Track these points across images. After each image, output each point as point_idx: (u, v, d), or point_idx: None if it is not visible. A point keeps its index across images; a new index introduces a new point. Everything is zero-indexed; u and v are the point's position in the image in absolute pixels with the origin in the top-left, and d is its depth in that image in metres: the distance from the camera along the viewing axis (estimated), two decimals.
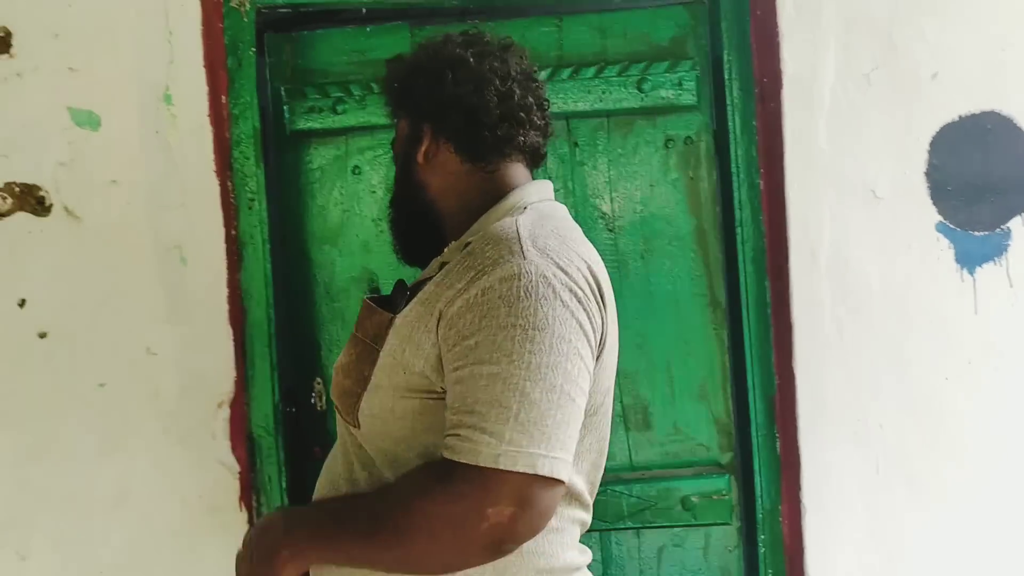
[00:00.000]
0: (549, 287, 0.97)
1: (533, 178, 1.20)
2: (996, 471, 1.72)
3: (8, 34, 1.40)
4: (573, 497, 1.09)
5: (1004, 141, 1.71)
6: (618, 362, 1.60)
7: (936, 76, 1.68)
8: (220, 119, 1.50)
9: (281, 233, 1.60)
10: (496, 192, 1.14)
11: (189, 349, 1.40)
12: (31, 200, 1.42)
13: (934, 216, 1.69)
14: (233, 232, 1.50)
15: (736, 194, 1.72)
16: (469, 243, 1.05)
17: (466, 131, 1.14)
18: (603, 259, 1.63)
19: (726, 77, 1.71)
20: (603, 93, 1.72)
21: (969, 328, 1.71)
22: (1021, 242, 1.72)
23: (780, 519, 1.74)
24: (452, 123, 1.14)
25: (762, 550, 1.75)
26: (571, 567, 1.09)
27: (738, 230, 1.72)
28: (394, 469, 1.03)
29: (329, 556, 1.04)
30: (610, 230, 1.75)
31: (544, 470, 0.92)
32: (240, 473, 1.49)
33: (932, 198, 1.69)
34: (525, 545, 0.99)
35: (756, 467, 1.74)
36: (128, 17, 1.43)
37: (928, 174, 1.69)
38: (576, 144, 1.74)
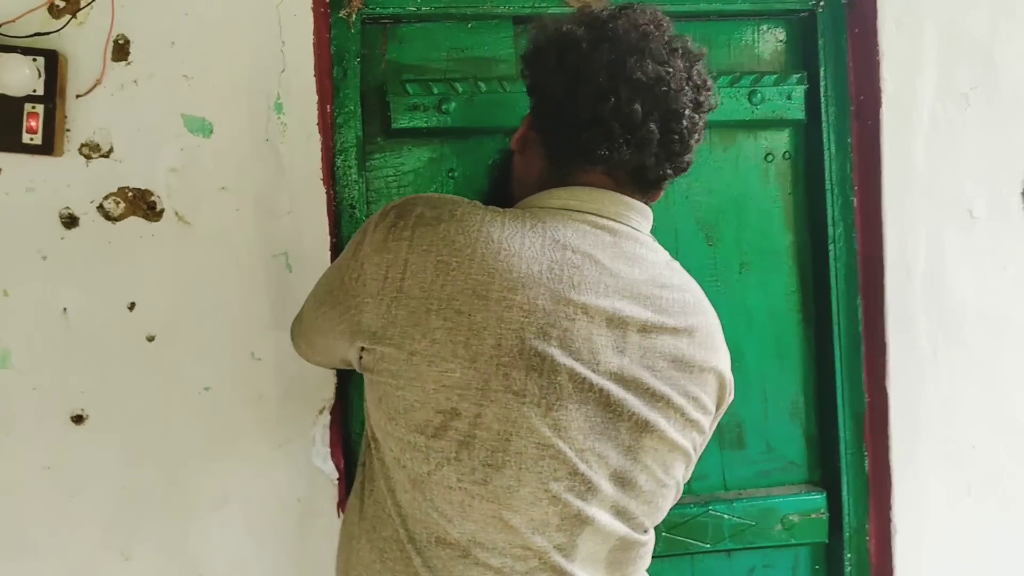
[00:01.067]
0: (364, 230, 1.04)
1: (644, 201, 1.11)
2: None
3: (127, 42, 1.43)
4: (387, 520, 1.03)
5: None
6: None
7: None
8: (327, 128, 1.52)
9: None
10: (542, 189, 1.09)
11: (292, 355, 1.41)
12: (143, 205, 1.45)
13: None
14: (335, 240, 1.53)
15: (830, 211, 1.73)
16: None
17: (554, 127, 1.09)
18: (702, 274, 1.66)
19: (822, 94, 1.72)
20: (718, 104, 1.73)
21: None
22: None
23: (867, 538, 1.75)
24: (545, 114, 1.10)
25: (848, 568, 1.75)
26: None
27: (831, 247, 1.73)
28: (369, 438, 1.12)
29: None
30: (709, 244, 1.76)
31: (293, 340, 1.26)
32: (338, 479, 1.51)
33: None
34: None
35: (844, 485, 1.75)
36: (242, 26, 1.46)
37: None
38: None
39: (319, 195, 1.49)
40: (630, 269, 1.03)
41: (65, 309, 1.45)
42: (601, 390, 0.98)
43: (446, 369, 0.95)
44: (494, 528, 0.97)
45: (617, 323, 1.00)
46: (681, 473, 1.10)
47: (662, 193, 1.16)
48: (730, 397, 1.17)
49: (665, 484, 1.07)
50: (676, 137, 1.04)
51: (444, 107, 1.60)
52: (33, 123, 1.37)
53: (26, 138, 1.38)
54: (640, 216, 1.09)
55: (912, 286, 1.67)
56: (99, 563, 1.47)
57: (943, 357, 1.68)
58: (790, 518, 1.75)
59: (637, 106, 1.01)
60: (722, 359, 1.12)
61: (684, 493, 1.71)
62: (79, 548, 1.46)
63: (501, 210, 1.04)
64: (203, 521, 1.49)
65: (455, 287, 0.95)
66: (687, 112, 1.05)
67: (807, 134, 1.76)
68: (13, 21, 1.39)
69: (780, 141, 1.77)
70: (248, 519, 1.49)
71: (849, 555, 1.75)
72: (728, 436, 1.78)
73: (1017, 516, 1.71)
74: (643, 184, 1.09)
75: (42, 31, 1.40)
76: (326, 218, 1.50)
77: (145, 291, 1.46)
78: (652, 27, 1.07)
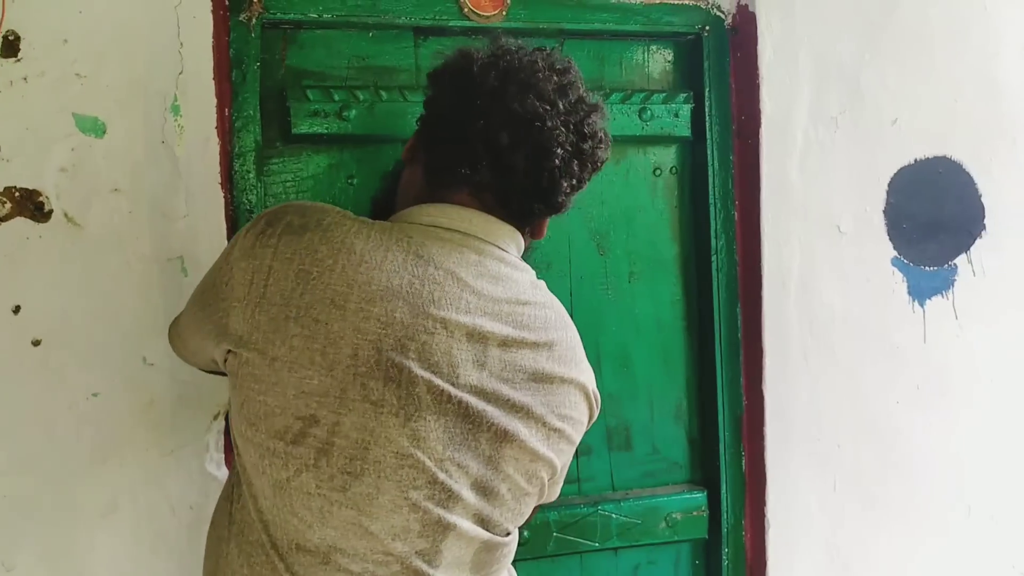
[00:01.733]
0: (237, 237, 1.06)
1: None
2: (942, 489, 1.88)
3: (17, 38, 1.39)
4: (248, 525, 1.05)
5: (953, 184, 1.89)
6: (604, 384, 1.72)
7: (896, 122, 1.84)
8: (225, 132, 1.52)
9: None
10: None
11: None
12: (30, 206, 1.42)
13: (890, 251, 1.86)
14: None
15: (712, 224, 1.84)
16: None
17: (431, 142, 1.14)
18: (594, 283, 1.73)
19: (707, 113, 1.83)
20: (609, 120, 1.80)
21: (918, 356, 1.87)
22: (966, 278, 1.90)
23: (743, 533, 1.86)
24: (427, 129, 1.16)
25: (725, 563, 1.86)
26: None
27: (713, 258, 1.84)
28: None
29: None
30: (600, 254, 1.84)
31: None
32: None
33: (889, 234, 1.85)
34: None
35: (723, 484, 1.86)
36: (140, 27, 1.44)
37: (886, 212, 1.85)
38: None
39: (216, 199, 1.50)
40: (493, 287, 1.07)
41: None
42: (460, 402, 1.01)
43: (304, 376, 0.97)
44: (354, 534, 0.99)
45: (477, 338, 1.03)
46: (546, 479, 1.13)
47: (541, 228, 1.20)
48: (596, 409, 1.21)
49: (527, 492, 1.11)
50: (546, 174, 1.08)
51: (345, 114, 1.62)
52: None
53: None
54: (508, 238, 1.12)
55: (787, 296, 1.79)
56: None
57: (813, 363, 1.81)
58: (673, 516, 1.85)
59: (504, 134, 1.05)
60: (583, 372, 1.16)
61: (574, 494, 1.81)
62: None
63: (371, 222, 1.06)
64: (90, 530, 1.46)
65: (314, 296, 0.98)
66: (560, 152, 1.07)
67: (693, 151, 1.87)
68: None
69: (668, 157, 1.87)
70: (137, 527, 1.48)
71: (726, 550, 1.86)
72: (616, 439, 1.86)
73: (878, 512, 1.86)
74: (512, 212, 1.12)
75: None
76: (224, 222, 1.50)
77: (31, 294, 1.43)
78: (550, 70, 1.10)
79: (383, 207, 1.19)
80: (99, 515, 1.46)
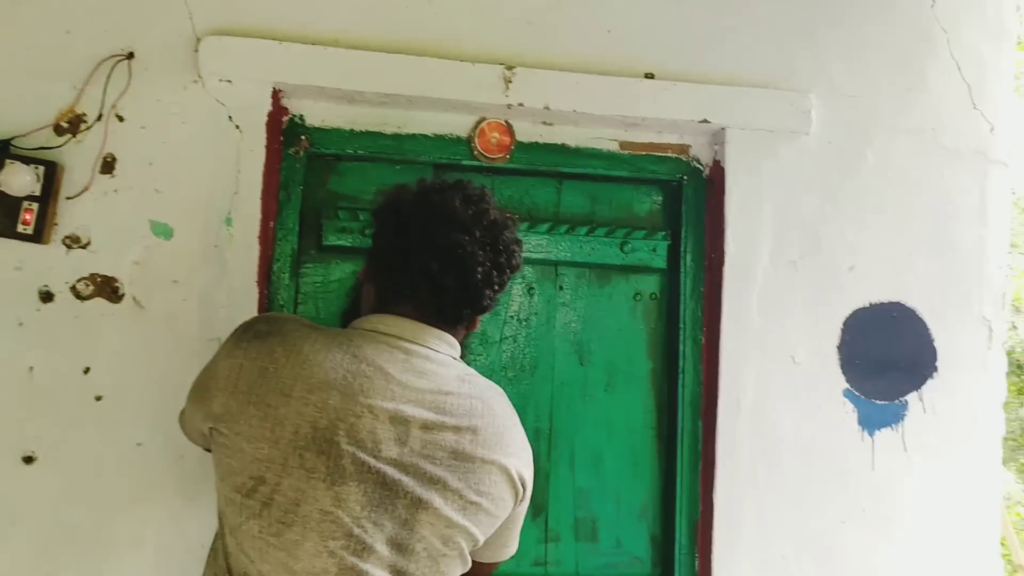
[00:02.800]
0: (233, 337, 1.35)
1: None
2: None
3: (114, 160, 1.82)
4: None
5: (907, 328, 2.10)
6: (576, 479, 1.97)
7: (852, 268, 2.08)
8: (267, 241, 1.89)
9: None
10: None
11: None
12: (108, 289, 1.81)
13: (842, 383, 2.07)
14: None
15: (681, 346, 2.10)
16: None
17: (378, 270, 1.42)
18: (573, 389, 2.01)
19: (682, 249, 2.12)
20: (592, 249, 2.10)
21: (866, 481, 2.06)
22: (915, 414, 2.09)
23: None
24: (374, 258, 1.43)
25: None
26: None
27: (680, 376, 2.09)
28: None
29: None
30: (581, 364, 2.12)
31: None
32: None
33: (842, 368, 2.07)
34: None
35: None
36: (207, 156, 1.85)
37: (840, 348, 2.07)
38: (561, 287, 2.13)
39: (252, 293, 1.86)
40: (417, 380, 1.31)
41: (31, 368, 1.79)
42: (379, 472, 1.25)
43: (258, 447, 1.24)
44: (283, 571, 1.24)
45: (400, 421, 1.27)
46: (464, 546, 1.36)
47: (475, 323, 1.48)
48: (524, 489, 1.44)
49: (445, 554, 1.34)
50: (471, 288, 1.36)
51: (367, 231, 1.98)
52: (28, 217, 1.74)
53: (21, 228, 1.75)
54: (439, 340, 1.38)
55: (741, 416, 2.02)
56: None
57: (762, 478, 2.02)
58: None
59: (435, 264, 1.33)
60: (509, 456, 1.39)
61: (537, 574, 2.04)
62: (12, 571, 1.76)
63: (323, 329, 1.35)
64: (120, 558, 1.80)
65: (269, 386, 1.26)
66: (480, 269, 1.34)
67: (669, 280, 2.14)
68: (25, 136, 1.78)
69: (648, 283, 2.15)
70: (158, 559, 1.80)
71: None
72: (583, 530, 2.10)
73: None
74: (445, 318, 1.39)
75: (46, 145, 1.79)
76: (256, 311, 1.85)
77: (100, 359, 1.81)
78: (465, 203, 1.37)
79: (350, 316, 1.50)
80: (129, 546, 1.80)
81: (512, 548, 1.54)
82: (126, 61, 1.83)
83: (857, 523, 2.05)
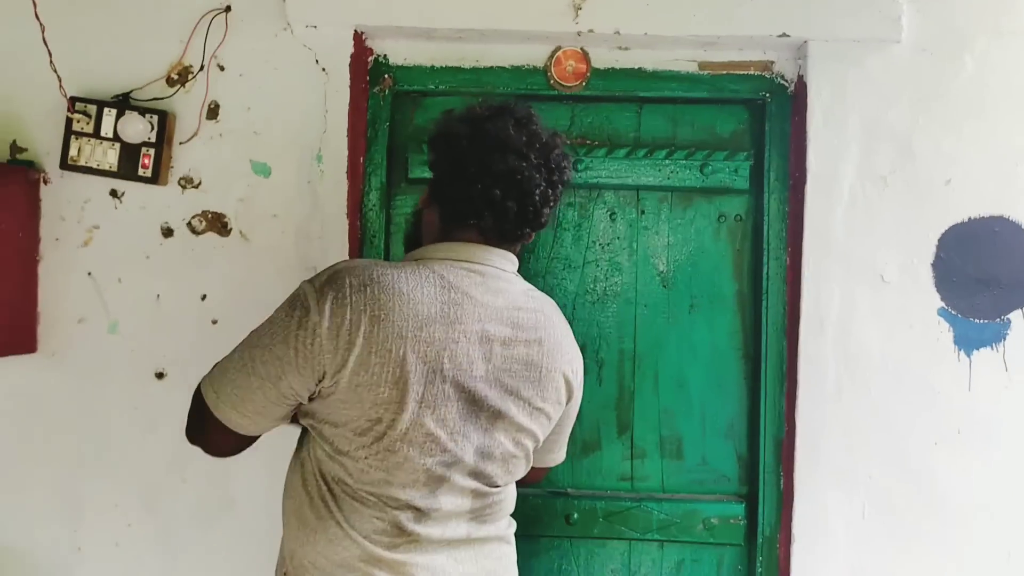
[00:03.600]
0: (295, 305, 1.39)
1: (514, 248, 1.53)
2: (980, 532, 2.00)
3: (217, 106, 2.01)
4: (373, 506, 1.41)
5: (1010, 243, 2.01)
6: (661, 399, 2.11)
7: (949, 182, 2.00)
8: (356, 175, 2.04)
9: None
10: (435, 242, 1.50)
11: None
12: (218, 224, 2.02)
13: (937, 302, 2.01)
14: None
15: (765, 267, 2.10)
16: None
17: (441, 200, 1.51)
18: (656, 312, 2.08)
19: (766, 169, 2.10)
20: (671, 172, 2.13)
21: (961, 402, 2.01)
22: (1018, 332, 2.00)
23: (778, 546, 2.09)
24: (435, 189, 1.53)
25: (759, 570, 2.10)
26: (371, 562, 1.41)
27: (764, 297, 2.10)
28: None
29: None
30: (664, 286, 2.16)
31: (208, 398, 1.46)
32: None
33: (937, 286, 2.01)
34: (313, 547, 1.44)
35: (761, 499, 2.10)
36: (298, 99, 2.01)
37: (934, 265, 2.01)
38: (643, 212, 2.17)
39: (343, 226, 2.02)
40: (494, 299, 1.43)
41: (158, 295, 2.04)
42: (471, 389, 1.39)
43: (379, 392, 1.34)
44: (378, 485, 1.39)
45: (485, 340, 1.40)
46: (531, 447, 1.52)
47: (530, 239, 1.57)
48: (578, 392, 1.59)
49: (515, 455, 1.49)
50: (531, 209, 1.46)
51: None
52: (146, 161, 1.97)
53: (141, 172, 1.98)
54: (504, 259, 1.49)
55: (824, 337, 2.01)
56: (164, 482, 2.05)
57: (848, 398, 2.01)
58: (711, 521, 2.12)
59: (496, 191, 1.42)
60: (567, 363, 1.51)
61: (626, 490, 2.13)
62: (151, 470, 2.05)
63: (401, 265, 1.42)
64: (237, 460, 2.02)
65: (386, 333, 1.33)
66: (539, 192, 1.45)
67: (754, 201, 2.13)
68: (141, 88, 2.00)
69: (732, 205, 2.15)
70: (268, 462, 2.01)
71: (760, 558, 2.10)
72: (668, 448, 2.17)
73: (908, 543, 2.00)
74: (507, 239, 1.50)
75: (159, 96, 2.00)
76: (347, 243, 2.01)
77: (214, 287, 2.03)
78: (518, 129, 1.45)
79: (413, 240, 1.63)
80: (247, 450, 2.03)
81: (562, 455, 1.71)
82: (223, 14, 2.00)
83: (951, 445, 2.01)
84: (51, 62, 1.97)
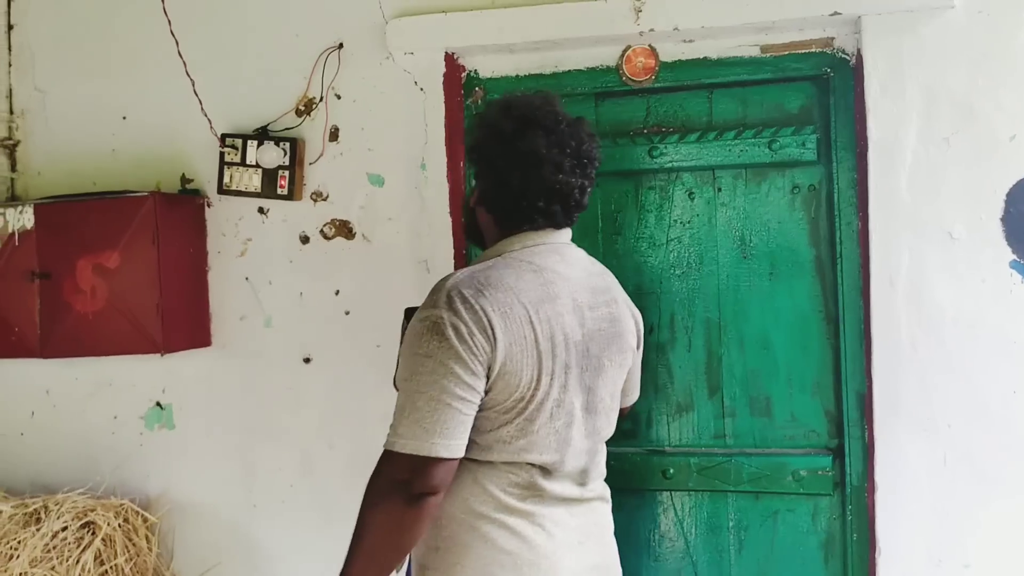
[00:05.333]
0: (439, 328, 1.49)
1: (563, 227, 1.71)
2: None
3: (337, 130, 2.40)
4: (507, 466, 1.59)
5: None
6: (747, 361, 2.36)
7: (1014, 138, 2.07)
8: (457, 177, 2.36)
9: None
10: (501, 237, 1.69)
11: None
12: (345, 230, 2.41)
13: (1008, 255, 2.09)
14: (461, 251, 2.36)
15: (838, 233, 2.24)
16: None
17: (507, 214, 1.67)
18: (738, 280, 2.30)
19: (833, 140, 2.24)
20: (741, 151, 2.32)
21: None
22: None
23: (866, 495, 2.23)
24: (487, 195, 1.69)
25: (849, 518, 2.26)
26: (504, 511, 1.59)
27: (838, 261, 2.24)
28: None
29: None
30: (744, 256, 2.35)
31: (422, 451, 1.48)
32: None
33: (1007, 240, 2.08)
34: (452, 502, 1.58)
35: (847, 451, 2.25)
36: (401, 116, 2.36)
37: (1004, 219, 2.08)
38: (719, 189, 2.36)
39: (447, 222, 2.35)
40: (572, 270, 1.66)
41: (301, 293, 2.45)
42: (579, 355, 1.61)
43: (525, 372, 1.53)
44: (517, 452, 1.58)
45: (577, 308, 1.62)
46: (619, 396, 1.78)
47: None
48: (642, 337, 1.88)
49: (611, 407, 1.74)
50: (572, 205, 1.67)
51: None
52: (282, 182, 2.38)
53: (279, 191, 2.39)
54: (564, 235, 1.71)
55: (895, 295, 2.13)
56: (315, 449, 2.46)
57: (923, 352, 2.12)
58: (800, 472, 2.29)
59: (540, 203, 1.63)
60: (632, 313, 1.80)
61: (720, 446, 2.33)
62: (303, 438, 2.47)
63: (492, 264, 1.60)
64: (374, 430, 2.38)
65: (514, 323, 1.51)
66: (577, 190, 1.66)
67: (826, 171, 2.27)
68: (275, 120, 2.41)
69: (805, 176, 2.30)
70: None
71: (850, 507, 2.25)
72: (757, 407, 2.35)
73: (991, 487, 2.09)
74: (563, 223, 1.70)
75: (290, 125, 2.41)
76: (451, 237, 2.34)
77: (345, 283, 2.42)
78: (548, 140, 1.62)
79: (473, 232, 1.84)
80: (378, 422, 2.39)
81: (638, 393, 2.01)
82: (337, 51, 2.38)
83: None
84: (202, 108, 2.43)
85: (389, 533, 1.50)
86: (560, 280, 1.63)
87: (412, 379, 1.51)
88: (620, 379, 1.76)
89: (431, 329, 1.50)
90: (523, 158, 1.63)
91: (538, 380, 1.56)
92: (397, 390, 1.58)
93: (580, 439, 1.67)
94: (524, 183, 1.63)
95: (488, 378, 1.51)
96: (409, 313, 1.81)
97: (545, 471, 1.63)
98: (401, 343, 1.64)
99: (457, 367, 1.48)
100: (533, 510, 1.62)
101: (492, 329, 1.49)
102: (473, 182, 2.35)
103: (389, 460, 1.51)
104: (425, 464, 1.48)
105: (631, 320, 1.79)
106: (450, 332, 1.48)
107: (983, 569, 2.11)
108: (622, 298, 1.79)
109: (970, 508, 2.12)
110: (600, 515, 1.78)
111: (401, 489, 1.49)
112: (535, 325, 1.54)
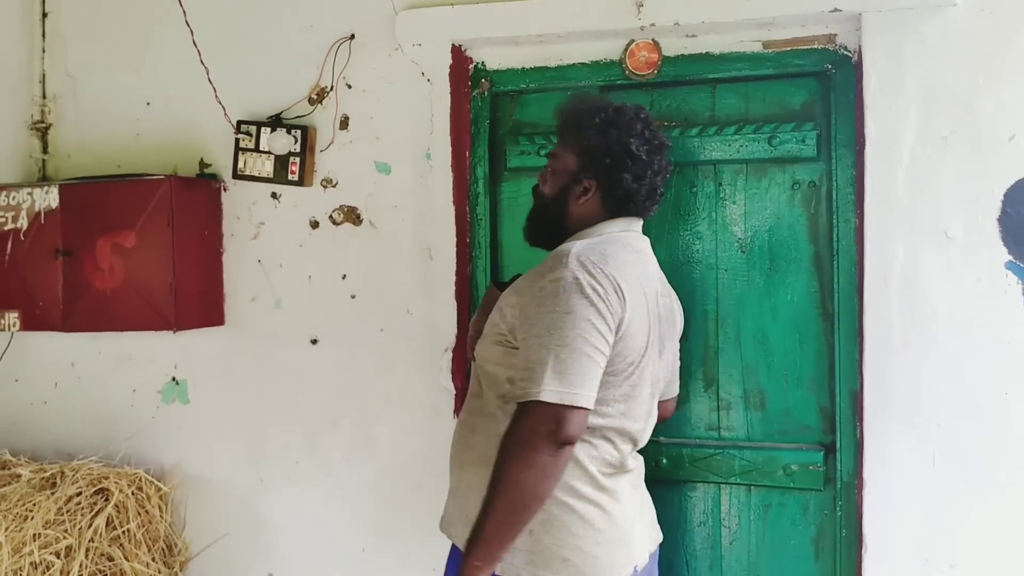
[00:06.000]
0: (578, 285, 1.65)
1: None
2: None
3: (347, 118, 2.48)
4: (603, 441, 1.77)
5: None
6: (744, 355, 2.40)
7: (1013, 138, 2.06)
8: (462, 167, 2.42)
9: (492, 241, 2.49)
10: (601, 220, 1.89)
11: (431, 312, 2.36)
12: (353, 216, 2.49)
13: (1004, 256, 2.08)
14: (464, 240, 2.43)
15: (835, 230, 2.25)
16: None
17: (620, 202, 1.88)
18: (736, 275, 2.35)
19: (832, 136, 2.25)
20: (741, 146, 2.34)
21: None
22: None
23: (856, 491, 2.25)
24: (614, 193, 1.87)
25: (839, 514, 2.27)
26: (599, 489, 1.77)
27: (835, 258, 2.25)
28: (488, 380, 1.84)
29: (497, 551, 1.61)
30: (743, 252, 2.37)
31: (567, 400, 1.59)
32: (455, 394, 2.41)
33: (1004, 240, 2.08)
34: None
35: (838, 447, 2.27)
36: (409, 106, 2.42)
37: (1001, 220, 2.08)
38: (720, 184, 2.38)
39: (449, 211, 2.41)
40: (649, 260, 1.90)
41: (310, 276, 2.54)
42: (659, 333, 1.85)
43: (638, 340, 1.75)
44: (620, 419, 1.77)
45: (651, 294, 1.83)
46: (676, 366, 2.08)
47: None
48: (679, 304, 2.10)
49: (672, 380, 2.06)
50: (658, 197, 1.95)
51: (542, 152, 2.42)
52: (294, 168, 2.47)
53: (290, 177, 2.47)
54: (640, 225, 1.95)
55: (888, 293, 2.14)
56: (320, 428, 2.56)
57: (915, 351, 2.12)
58: (791, 467, 2.31)
59: (644, 189, 1.88)
60: (680, 304, 2.07)
61: (714, 439, 2.36)
62: (309, 417, 2.55)
63: (598, 241, 1.80)
64: (376, 411, 2.50)
65: (632, 291, 1.72)
66: (661, 188, 1.94)
67: (826, 168, 2.28)
68: (288, 108, 2.50)
69: (806, 172, 2.31)
70: (400, 413, 2.47)
71: (840, 502, 2.27)
72: (752, 400, 2.38)
73: (980, 487, 2.10)
74: (642, 213, 1.94)
75: (302, 114, 2.49)
76: (452, 226, 2.41)
77: (352, 267, 2.50)
78: (647, 127, 1.91)
79: (545, 218, 1.96)
80: (382, 404, 2.49)
81: (679, 385, 2.17)
82: (348, 42, 2.45)
83: (1023, 395, 2.07)
84: (216, 96, 2.53)
85: (536, 483, 1.57)
86: (650, 264, 1.91)
87: (551, 334, 1.61)
88: (671, 365, 2.00)
89: (569, 288, 1.63)
90: (646, 140, 1.88)
91: (647, 347, 1.77)
92: (473, 360, 1.88)
93: (654, 411, 1.92)
94: (651, 182, 1.89)
95: (616, 336, 1.68)
96: (500, 285, 1.99)
97: (635, 443, 1.84)
98: (479, 312, 2.00)
99: (597, 321, 1.62)
100: (615, 487, 1.79)
101: (622, 291, 1.68)
102: (483, 170, 2.45)
103: (532, 412, 1.59)
104: (569, 413, 1.58)
105: (680, 312, 2.06)
106: (589, 290, 1.63)
107: (969, 569, 2.11)
108: (673, 291, 2.05)
109: (958, 508, 2.12)
110: (641, 478, 1.97)
111: (547, 439, 1.57)
112: (645, 298, 1.77)
